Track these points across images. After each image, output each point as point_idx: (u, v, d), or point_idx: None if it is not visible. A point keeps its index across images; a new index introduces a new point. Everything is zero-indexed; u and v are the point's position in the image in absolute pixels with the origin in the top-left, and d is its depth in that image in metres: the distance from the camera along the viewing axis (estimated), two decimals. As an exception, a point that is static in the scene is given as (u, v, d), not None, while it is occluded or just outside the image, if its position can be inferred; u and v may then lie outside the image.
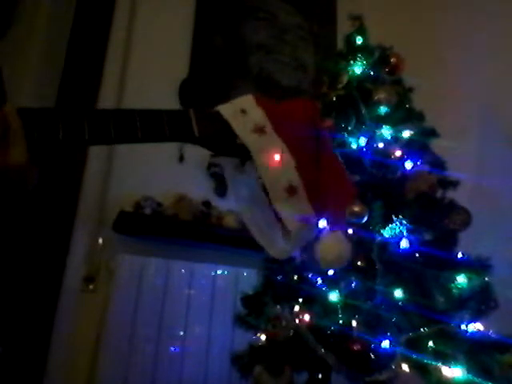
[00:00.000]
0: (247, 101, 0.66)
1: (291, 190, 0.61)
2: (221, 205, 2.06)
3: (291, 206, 0.61)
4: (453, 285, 1.18)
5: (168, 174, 2.05)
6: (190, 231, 1.94)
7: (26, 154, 0.52)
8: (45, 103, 1.91)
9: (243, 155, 0.63)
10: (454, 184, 1.35)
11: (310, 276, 1.36)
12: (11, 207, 0.56)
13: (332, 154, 0.66)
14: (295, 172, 0.61)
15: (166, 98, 2.13)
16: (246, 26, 2.48)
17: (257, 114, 0.63)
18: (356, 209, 1.23)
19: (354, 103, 1.45)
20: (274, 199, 0.62)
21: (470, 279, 1.18)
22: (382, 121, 1.40)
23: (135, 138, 0.57)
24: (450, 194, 1.34)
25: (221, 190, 2.11)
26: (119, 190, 1.94)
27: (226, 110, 0.63)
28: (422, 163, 1.35)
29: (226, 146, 0.62)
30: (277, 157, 0.61)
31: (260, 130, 0.62)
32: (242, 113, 0.63)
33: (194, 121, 0.60)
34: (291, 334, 1.33)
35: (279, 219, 0.65)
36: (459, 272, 1.20)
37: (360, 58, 1.50)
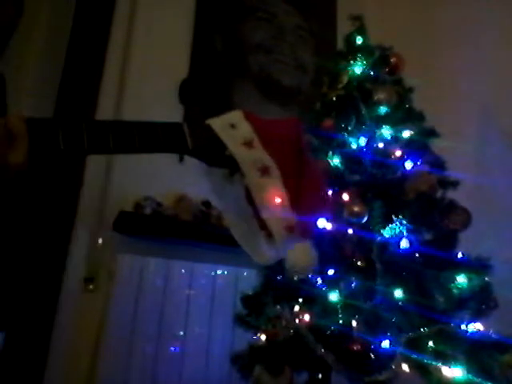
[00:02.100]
0: (236, 116, 0.70)
1: (278, 200, 0.67)
2: (221, 205, 2.06)
3: (277, 214, 0.66)
4: (453, 285, 1.18)
5: (168, 174, 2.05)
6: (189, 231, 1.94)
7: (26, 156, 0.54)
8: (45, 102, 1.91)
9: (232, 166, 0.67)
10: (453, 184, 1.35)
11: (309, 276, 1.36)
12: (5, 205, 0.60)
13: (313, 168, 0.72)
14: (281, 184, 0.66)
15: (166, 98, 2.13)
16: (246, 26, 2.48)
17: (245, 129, 0.68)
18: (356, 209, 1.23)
19: (354, 103, 1.45)
20: (261, 208, 0.67)
21: (470, 279, 1.18)
22: (382, 121, 1.40)
23: (133, 148, 0.61)
24: (450, 194, 1.34)
25: (221, 189, 2.11)
26: (119, 190, 1.94)
27: (216, 123, 0.68)
28: (422, 163, 1.35)
29: (217, 157, 0.67)
30: (264, 168, 0.66)
31: (248, 144, 0.66)
32: (232, 127, 0.67)
33: (188, 134, 0.65)
34: (291, 333, 1.33)
35: (262, 227, 0.69)
36: (459, 272, 1.20)
37: (360, 57, 1.50)
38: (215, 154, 0.67)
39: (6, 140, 0.53)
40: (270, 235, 0.69)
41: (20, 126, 0.54)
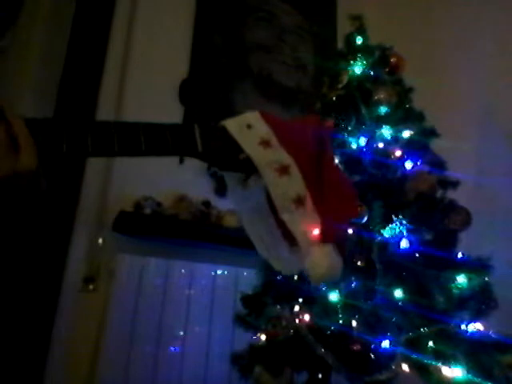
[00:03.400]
0: (253, 116, 0.66)
1: (299, 202, 0.61)
2: (221, 205, 2.06)
3: (299, 216, 0.61)
4: (453, 285, 1.18)
5: (168, 174, 2.05)
6: (189, 231, 1.94)
7: (36, 160, 0.52)
8: (45, 102, 1.91)
9: (246, 170, 0.63)
10: (453, 184, 1.34)
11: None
12: (22, 212, 0.57)
13: (335, 168, 0.67)
14: (302, 183, 0.62)
15: (166, 98, 2.13)
16: (246, 26, 2.48)
17: (262, 128, 0.64)
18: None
19: (354, 103, 1.45)
20: (281, 211, 0.61)
21: (470, 279, 1.18)
22: (382, 121, 1.40)
23: (139, 151, 0.58)
24: (450, 194, 1.34)
25: (221, 190, 2.11)
26: (119, 190, 1.94)
27: (231, 124, 0.64)
28: (422, 163, 1.35)
29: (230, 161, 0.62)
30: (283, 168, 0.61)
31: (266, 144, 0.62)
32: (248, 128, 0.63)
33: (198, 136, 0.61)
34: (291, 333, 1.33)
35: (284, 235, 0.64)
36: (459, 272, 1.20)
37: (360, 57, 1.50)
38: (228, 158, 0.62)
39: (11, 147, 0.50)
40: (293, 243, 0.63)
41: (25, 131, 0.52)
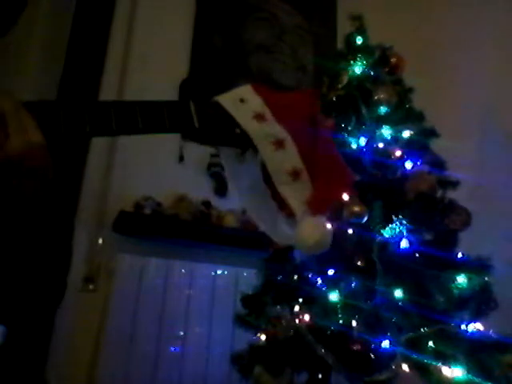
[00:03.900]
0: (245, 90, 0.66)
1: (295, 174, 0.62)
2: (221, 205, 2.06)
3: (296, 189, 0.62)
4: (453, 285, 1.18)
5: (168, 174, 2.05)
6: (190, 231, 1.94)
7: (41, 137, 0.50)
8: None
9: (243, 144, 0.64)
10: (453, 184, 1.34)
11: (309, 276, 1.36)
12: (31, 201, 0.56)
13: (329, 141, 0.67)
14: (298, 156, 0.62)
15: (166, 98, 2.12)
16: (246, 26, 2.48)
17: (256, 102, 0.64)
18: (356, 209, 1.23)
19: (354, 103, 1.44)
20: (278, 184, 0.62)
21: (470, 279, 1.18)
22: (382, 121, 1.40)
23: (136, 129, 0.58)
24: (450, 194, 1.34)
25: (221, 190, 2.11)
26: (119, 190, 1.94)
27: (224, 99, 0.64)
28: (422, 163, 1.35)
29: (226, 135, 0.63)
30: (279, 141, 0.62)
31: (260, 117, 0.62)
32: (241, 102, 0.63)
33: (194, 112, 0.61)
34: (291, 334, 1.33)
35: (281, 207, 0.65)
36: (459, 272, 1.19)
37: (360, 57, 1.50)
38: (224, 133, 0.62)
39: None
40: (289, 214, 0.64)
41: (9, 104, 0.49)
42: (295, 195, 0.62)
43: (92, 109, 0.56)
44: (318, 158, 0.64)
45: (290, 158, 0.62)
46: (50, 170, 0.53)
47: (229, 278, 1.99)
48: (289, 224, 0.67)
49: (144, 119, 0.58)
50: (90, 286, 1.82)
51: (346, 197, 1.24)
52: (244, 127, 0.61)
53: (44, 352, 1.69)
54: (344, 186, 0.74)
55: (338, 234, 1.27)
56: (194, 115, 0.61)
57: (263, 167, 0.64)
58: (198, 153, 2.02)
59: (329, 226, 0.63)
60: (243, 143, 0.63)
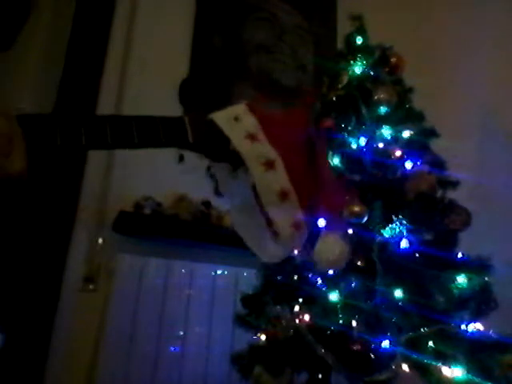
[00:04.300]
0: (240, 109, 0.68)
1: (283, 195, 0.64)
2: (221, 205, 2.06)
3: (283, 210, 0.64)
4: (453, 285, 1.18)
5: (168, 174, 2.05)
6: (190, 231, 1.94)
7: (25, 164, 0.51)
8: (45, 103, 1.91)
9: (235, 161, 0.65)
10: (453, 184, 1.34)
11: (309, 276, 1.36)
12: (9, 204, 0.57)
13: (326, 160, 0.68)
14: (286, 177, 0.64)
15: (166, 98, 2.13)
16: (246, 26, 2.48)
17: (249, 122, 0.66)
18: (356, 209, 1.23)
19: (354, 103, 1.44)
20: (266, 204, 0.64)
21: (470, 279, 1.18)
22: (382, 121, 1.40)
23: (132, 143, 0.59)
24: (450, 194, 1.34)
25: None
26: (119, 190, 1.94)
27: (219, 117, 0.65)
28: (422, 163, 1.35)
29: (220, 152, 0.64)
30: (269, 162, 0.63)
31: (252, 137, 0.64)
32: (235, 120, 0.65)
33: (189, 127, 0.62)
34: (291, 333, 1.33)
35: (269, 224, 0.67)
36: (459, 272, 1.19)
37: (360, 57, 1.50)
38: (218, 149, 0.64)
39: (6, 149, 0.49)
40: (276, 233, 0.66)
41: (11, 127, 0.50)
42: (282, 216, 0.64)
43: (88, 122, 0.57)
44: (317, 176, 0.65)
45: (279, 178, 0.64)
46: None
47: (229, 278, 1.99)
48: (275, 242, 0.68)
49: (139, 134, 0.59)
50: (90, 286, 1.82)
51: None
52: (236, 147, 0.63)
53: (44, 352, 1.69)
54: (347, 198, 0.75)
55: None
56: (189, 130, 0.62)
57: (254, 185, 0.65)
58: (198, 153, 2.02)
59: (345, 241, 0.63)
60: (236, 160, 0.64)
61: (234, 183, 0.69)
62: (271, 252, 0.69)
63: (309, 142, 0.66)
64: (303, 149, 0.65)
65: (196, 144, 0.62)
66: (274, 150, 0.64)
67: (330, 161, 0.71)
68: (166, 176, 2.04)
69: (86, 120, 0.57)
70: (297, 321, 1.32)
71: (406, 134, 1.39)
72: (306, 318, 1.31)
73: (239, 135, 0.63)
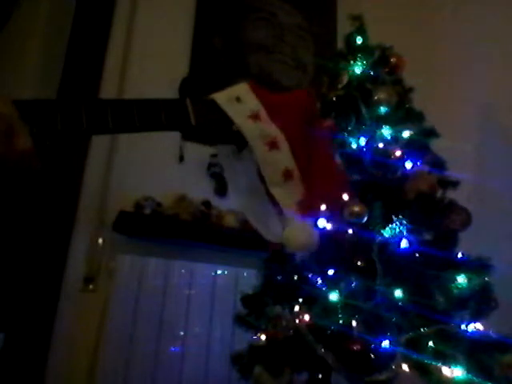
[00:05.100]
0: (242, 88, 0.67)
1: (287, 175, 0.63)
2: (221, 205, 2.06)
3: (287, 189, 0.63)
4: (453, 285, 1.18)
5: (168, 174, 2.05)
6: (189, 231, 1.94)
7: (30, 141, 0.51)
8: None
9: (239, 142, 0.64)
10: (453, 184, 1.34)
11: (309, 276, 1.36)
12: (17, 192, 0.57)
13: (325, 141, 0.68)
14: (291, 156, 0.63)
15: (165, 98, 2.13)
16: (246, 26, 2.48)
17: (251, 101, 0.65)
18: (356, 209, 1.23)
19: (354, 103, 1.44)
20: (270, 184, 0.64)
21: (469, 279, 1.18)
22: (382, 121, 1.40)
23: (133, 126, 0.58)
24: (450, 194, 1.34)
25: (221, 190, 2.11)
26: (119, 190, 1.94)
27: (220, 97, 0.64)
28: (421, 163, 1.35)
29: (223, 133, 0.63)
30: (273, 142, 0.63)
31: (255, 117, 0.63)
32: (237, 100, 0.64)
33: (191, 109, 0.61)
34: (291, 333, 1.33)
35: (275, 204, 0.66)
36: (459, 272, 1.19)
37: (360, 57, 1.50)
38: (221, 130, 0.62)
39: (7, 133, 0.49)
40: (281, 212, 0.65)
41: (10, 109, 0.50)
42: (286, 196, 0.63)
43: (89, 107, 0.56)
44: (313, 158, 0.65)
45: (282, 158, 0.63)
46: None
47: (229, 278, 1.99)
48: (280, 220, 0.68)
49: (141, 117, 0.58)
50: (90, 286, 1.82)
51: (345, 197, 1.24)
52: (239, 126, 0.62)
53: (44, 352, 1.69)
54: (338, 186, 0.76)
55: (338, 234, 1.27)
56: (191, 113, 0.61)
57: (258, 166, 0.65)
58: (198, 153, 2.02)
59: (314, 228, 0.65)
60: (240, 141, 0.63)
61: (239, 165, 0.68)
62: (276, 232, 0.69)
63: (309, 122, 0.65)
64: (302, 130, 0.65)
65: (199, 126, 0.61)
66: (277, 129, 0.63)
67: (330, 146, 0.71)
68: (166, 176, 2.04)
69: (87, 104, 0.56)
70: (297, 321, 1.32)
71: (406, 133, 1.39)
72: (306, 317, 1.31)
73: (242, 115, 0.62)
